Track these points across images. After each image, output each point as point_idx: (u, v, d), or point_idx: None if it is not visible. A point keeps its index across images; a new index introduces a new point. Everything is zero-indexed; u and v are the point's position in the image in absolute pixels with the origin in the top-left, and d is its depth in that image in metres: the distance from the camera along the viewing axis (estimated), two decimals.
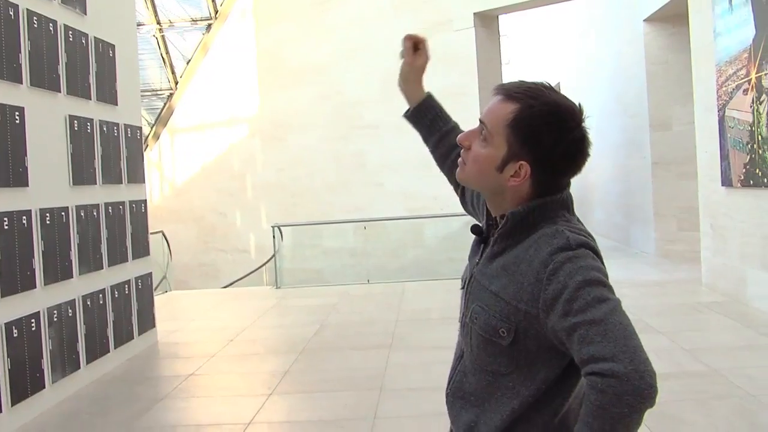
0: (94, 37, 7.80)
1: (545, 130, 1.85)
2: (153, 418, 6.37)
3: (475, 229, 2.09)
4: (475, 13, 14.55)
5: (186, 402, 6.86)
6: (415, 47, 2.37)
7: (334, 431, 5.92)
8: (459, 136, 2.00)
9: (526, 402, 1.85)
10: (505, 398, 1.88)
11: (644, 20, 13.66)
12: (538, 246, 1.83)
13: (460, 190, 2.39)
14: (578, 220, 1.96)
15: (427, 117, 2.45)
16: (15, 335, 6.05)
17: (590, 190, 18.56)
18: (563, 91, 1.93)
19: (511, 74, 17.60)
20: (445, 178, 2.46)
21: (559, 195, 1.92)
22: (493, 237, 1.96)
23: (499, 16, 15.47)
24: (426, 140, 2.48)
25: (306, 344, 8.57)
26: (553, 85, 1.94)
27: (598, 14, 16.99)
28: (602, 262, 1.83)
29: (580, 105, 1.90)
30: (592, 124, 1.93)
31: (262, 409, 6.39)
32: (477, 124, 1.95)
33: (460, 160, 2.01)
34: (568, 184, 1.95)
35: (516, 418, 1.86)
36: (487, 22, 14.92)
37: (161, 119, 18.17)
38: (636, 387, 1.60)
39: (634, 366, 1.61)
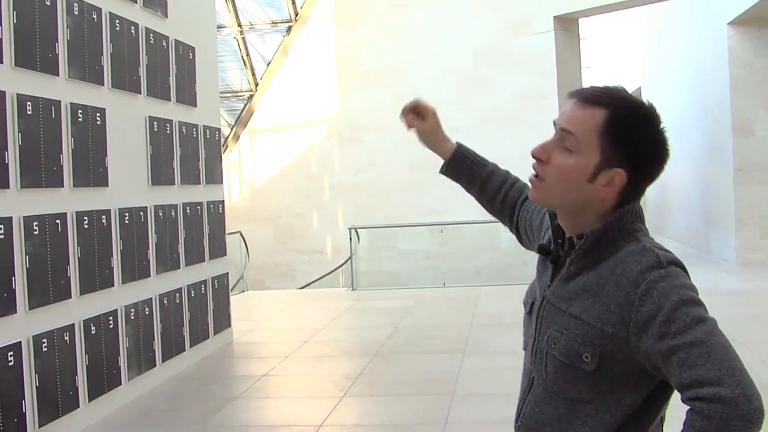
0: (175, 40, 7.91)
1: (642, 134, 1.77)
2: (226, 417, 6.44)
3: (542, 248, 1.98)
4: (555, 17, 14.38)
5: (259, 402, 6.92)
6: (417, 113, 2.31)
7: None
8: (534, 150, 1.84)
9: (611, 429, 1.76)
10: (586, 426, 1.78)
11: (728, 23, 13.37)
12: (625, 265, 1.74)
13: (515, 228, 2.32)
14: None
15: (463, 168, 2.38)
16: (93, 332, 6.17)
17: (670, 195, 18.24)
18: (644, 95, 1.87)
19: (591, 78, 17.36)
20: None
21: (633, 204, 1.82)
22: (570, 257, 1.85)
23: (579, 19, 15.28)
24: (469, 190, 2.41)
25: (380, 347, 8.57)
26: (634, 89, 1.86)
27: (679, 17, 16.69)
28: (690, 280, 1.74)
29: (651, 105, 1.82)
30: (671, 127, 1.86)
31: (334, 412, 6.41)
32: (552, 130, 1.86)
33: (532, 177, 1.87)
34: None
35: None
36: (566, 25, 14.75)
37: (241, 120, 18.36)
38: (745, 412, 1.53)
39: (741, 389, 1.54)
